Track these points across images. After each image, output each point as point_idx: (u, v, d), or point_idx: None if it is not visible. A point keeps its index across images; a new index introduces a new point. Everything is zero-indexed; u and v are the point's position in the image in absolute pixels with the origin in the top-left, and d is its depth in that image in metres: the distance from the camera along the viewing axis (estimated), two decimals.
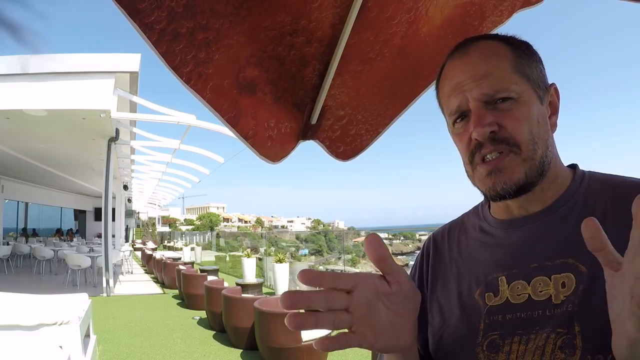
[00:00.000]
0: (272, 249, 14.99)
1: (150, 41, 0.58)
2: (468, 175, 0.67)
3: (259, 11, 0.72)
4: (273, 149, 0.97)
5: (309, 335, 4.18)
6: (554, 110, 0.66)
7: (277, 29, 0.79)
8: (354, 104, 1.07)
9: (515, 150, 0.60)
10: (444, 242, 0.76)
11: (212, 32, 0.64)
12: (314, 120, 0.98)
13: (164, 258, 11.26)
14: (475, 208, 0.77)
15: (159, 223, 47.48)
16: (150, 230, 38.89)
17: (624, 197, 0.59)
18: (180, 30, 0.57)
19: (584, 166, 0.68)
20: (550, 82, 0.67)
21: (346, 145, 1.11)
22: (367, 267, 17.14)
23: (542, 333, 0.56)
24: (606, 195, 0.61)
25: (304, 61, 0.90)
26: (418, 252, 0.84)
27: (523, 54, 0.64)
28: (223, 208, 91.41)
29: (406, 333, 0.52)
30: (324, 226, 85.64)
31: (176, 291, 8.96)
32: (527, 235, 0.63)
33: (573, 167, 0.68)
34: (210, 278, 7.20)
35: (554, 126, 0.65)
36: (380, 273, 0.50)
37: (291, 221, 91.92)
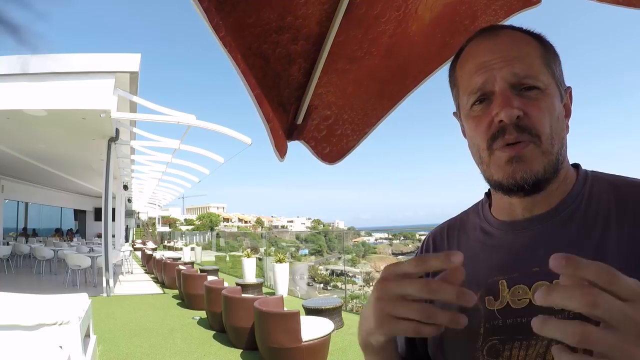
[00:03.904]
0: (272, 249, 15.00)
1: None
2: (481, 162, 0.63)
3: (244, 7, 0.71)
4: (281, 139, 0.95)
5: (309, 335, 4.18)
6: (567, 112, 0.65)
7: (262, 25, 0.78)
8: (340, 103, 1.05)
9: (535, 141, 0.58)
10: (444, 243, 0.74)
11: (209, 22, 0.64)
12: (299, 120, 0.97)
13: (164, 258, 11.27)
14: (475, 207, 0.75)
15: (159, 223, 47.48)
16: (150, 230, 38.88)
17: (628, 197, 0.58)
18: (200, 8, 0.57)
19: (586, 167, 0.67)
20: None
21: (332, 145, 1.10)
22: (366, 267, 17.11)
23: (543, 340, 0.54)
24: (609, 196, 0.60)
25: (289, 59, 0.88)
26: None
27: (550, 50, 0.64)
28: (223, 208, 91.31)
29: None
30: (324, 226, 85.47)
31: (176, 291, 8.96)
32: (529, 238, 0.62)
33: (575, 166, 0.67)
34: (210, 278, 7.22)
35: (566, 128, 0.64)
36: None
37: (291, 221, 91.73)
